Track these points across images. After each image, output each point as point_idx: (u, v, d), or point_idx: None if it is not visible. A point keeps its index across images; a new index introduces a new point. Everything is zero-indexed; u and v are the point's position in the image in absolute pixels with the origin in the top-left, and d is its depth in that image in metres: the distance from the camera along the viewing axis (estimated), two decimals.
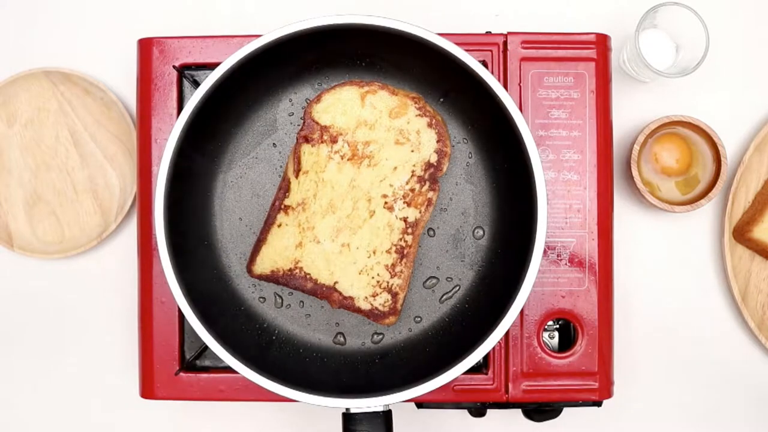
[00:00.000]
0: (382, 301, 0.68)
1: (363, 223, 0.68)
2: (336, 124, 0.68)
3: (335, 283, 0.69)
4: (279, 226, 0.69)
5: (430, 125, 0.68)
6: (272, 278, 0.69)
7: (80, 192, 0.81)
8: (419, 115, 0.68)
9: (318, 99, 0.68)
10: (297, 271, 0.69)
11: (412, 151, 0.68)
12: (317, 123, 0.68)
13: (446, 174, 0.71)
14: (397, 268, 0.68)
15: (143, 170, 0.71)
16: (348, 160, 0.68)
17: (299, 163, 0.68)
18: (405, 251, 0.68)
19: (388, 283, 0.68)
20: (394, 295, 0.68)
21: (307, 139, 0.68)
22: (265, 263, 0.69)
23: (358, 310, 0.69)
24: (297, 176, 0.68)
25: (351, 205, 0.68)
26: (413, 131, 0.68)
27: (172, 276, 0.63)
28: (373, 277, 0.69)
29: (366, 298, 0.69)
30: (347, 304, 0.69)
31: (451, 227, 0.71)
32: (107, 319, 0.81)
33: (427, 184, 0.68)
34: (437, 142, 0.68)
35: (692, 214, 0.80)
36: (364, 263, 0.68)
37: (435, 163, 0.68)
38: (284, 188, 0.69)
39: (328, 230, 0.68)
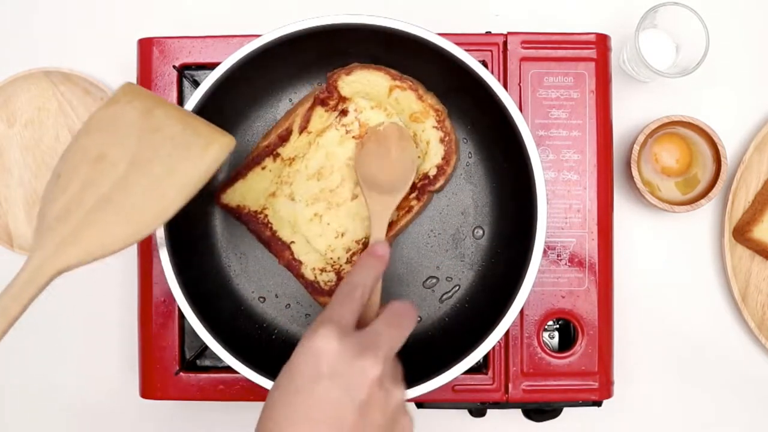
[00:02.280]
0: (327, 279, 0.68)
1: (342, 202, 0.68)
2: (355, 99, 0.68)
3: (292, 243, 0.69)
4: (263, 168, 0.69)
5: (442, 141, 0.68)
6: (235, 212, 0.69)
7: None
8: (436, 127, 0.68)
9: (349, 71, 0.68)
10: (261, 216, 0.69)
11: (417, 157, 0.68)
12: (338, 91, 0.68)
13: None
14: (355, 257, 0.68)
15: None
16: (353, 137, 0.68)
17: (308, 121, 0.68)
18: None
19: (340, 266, 0.68)
20: (339, 279, 0.68)
21: (323, 103, 0.68)
22: (235, 196, 0.69)
23: (300, 276, 0.69)
24: (300, 133, 0.68)
25: (338, 181, 0.68)
26: (424, 140, 0.68)
27: (172, 276, 0.63)
28: (329, 255, 0.68)
29: (313, 269, 0.69)
30: (293, 266, 0.69)
31: (451, 227, 0.71)
32: (107, 319, 0.81)
33: (416, 192, 0.68)
34: (442, 158, 0.68)
35: (692, 214, 0.80)
36: (329, 242, 0.68)
37: (431, 177, 0.68)
38: (284, 137, 0.68)
39: (307, 194, 0.68)
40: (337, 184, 0.68)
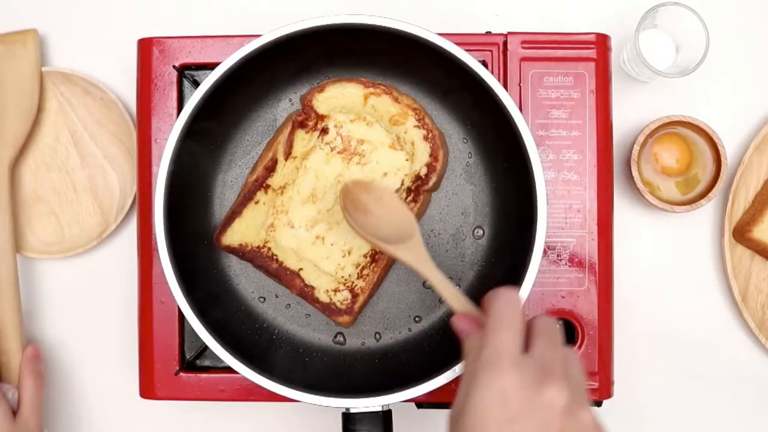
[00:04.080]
0: (342, 298, 0.68)
1: (341, 220, 0.68)
2: (333, 115, 0.68)
3: (300, 269, 0.69)
4: (256, 203, 0.69)
5: (425, 138, 0.68)
6: (238, 251, 0.69)
7: (80, 192, 0.81)
8: (417, 126, 0.68)
9: (321, 88, 0.68)
10: (265, 250, 0.69)
11: (406, 160, 0.68)
12: (315, 111, 0.68)
13: (446, 174, 0.71)
14: (365, 271, 0.68)
15: (143, 170, 0.71)
16: (338, 153, 0.68)
17: (291, 146, 0.68)
18: (376, 257, 0.68)
19: (353, 282, 0.69)
20: (355, 296, 0.68)
21: (302, 125, 0.68)
22: (235, 236, 0.69)
23: (316, 301, 0.69)
24: (286, 159, 0.68)
25: (333, 199, 0.68)
26: (408, 142, 0.68)
27: (172, 276, 0.63)
28: (340, 274, 0.68)
29: (327, 291, 0.69)
30: (306, 293, 0.69)
31: (451, 227, 0.71)
32: (107, 319, 0.81)
33: (412, 195, 0.68)
34: (429, 156, 0.68)
35: (692, 214, 0.80)
36: (336, 261, 0.68)
37: (423, 177, 0.68)
38: (270, 168, 0.68)
39: (305, 219, 0.68)
40: (333, 203, 0.68)
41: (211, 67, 0.69)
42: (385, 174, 0.68)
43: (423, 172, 0.68)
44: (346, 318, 0.69)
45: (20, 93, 0.78)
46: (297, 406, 0.76)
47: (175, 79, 0.71)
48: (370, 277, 0.68)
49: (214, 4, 0.82)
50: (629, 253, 0.80)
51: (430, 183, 0.68)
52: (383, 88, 0.68)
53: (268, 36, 0.64)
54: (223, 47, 0.71)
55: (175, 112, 0.71)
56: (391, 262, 0.70)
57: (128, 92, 0.81)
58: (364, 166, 0.68)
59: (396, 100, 0.68)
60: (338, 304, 0.69)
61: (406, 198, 0.68)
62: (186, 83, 0.72)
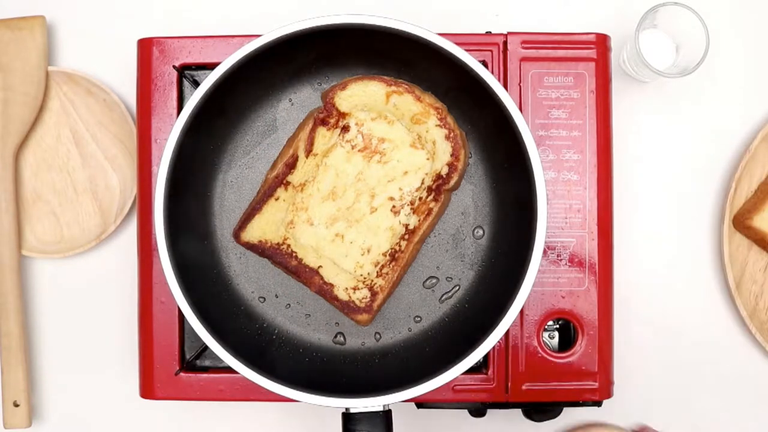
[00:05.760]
0: (361, 296, 0.68)
1: (361, 218, 0.68)
2: (354, 113, 0.68)
3: (319, 267, 0.69)
4: (276, 199, 0.69)
5: (447, 138, 0.67)
6: (257, 248, 0.69)
7: (80, 192, 0.81)
8: (439, 125, 0.68)
9: (343, 86, 0.68)
10: (284, 247, 0.69)
11: (427, 159, 0.68)
12: (336, 108, 0.68)
13: None
14: (385, 270, 0.68)
15: (143, 170, 0.71)
16: (359, 151, 0.68)
17: (312, 144, 0.68)
18: (396, 255, 0.68)
19: (372, 281, 0.68)
20: (374, 294, 0.68)
21: (323, 122, 0.68)
22: (254, 232, 0.69)
23: (335, 299, 0.69)
24: (307, 156, 0.68)
25: (353, 197, 0.68)
26: (430, 141, 0.68)
27: (172, 276, 0.63)
28: (358, 272, 0.68)
29: (346, 289, 0.68)
30: (326, 290, 0.68)
31: (451, 227, 0.71)
32: (107, 319, 0.81)
33: (433, 194, 0.68)
34: (451, 155, 0.68)
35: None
36: (356, 260, 0.68)
37: (444, 176, 0.68)
38: (290, 164, 0.68)
39: (324, 216, 0.68)
40: (353, 201, 0.68)
41: (211, 67, 0.69)
42: (406, 173, 0.68)
43: (444, 171, 0.68)
44: (365, 316, 0.68)
45: (27, 80, 0.78)
46: (297, 406, 0.76)
47: (175, 79, 0.71)
48: (390, 276, 0.68)
49: (214, 4, 0.82)
50: (629, 253, 0.80)
51: (452, 182, 0.68)
52: (405, 86, 0.68)
53: (268, 36, 0.64)
54: (223, 47, 0.71)
55: (175, 112, 0.71)
56: (411, 260, 0.70)
57: (130, 93, 0.81)
58: (384, 165, 0.68)
59: (418, 99, 0.67)
60: (357, 302, 0.69)
61: (427, 197, 0.68)
62: (186, 83, 0.72)
